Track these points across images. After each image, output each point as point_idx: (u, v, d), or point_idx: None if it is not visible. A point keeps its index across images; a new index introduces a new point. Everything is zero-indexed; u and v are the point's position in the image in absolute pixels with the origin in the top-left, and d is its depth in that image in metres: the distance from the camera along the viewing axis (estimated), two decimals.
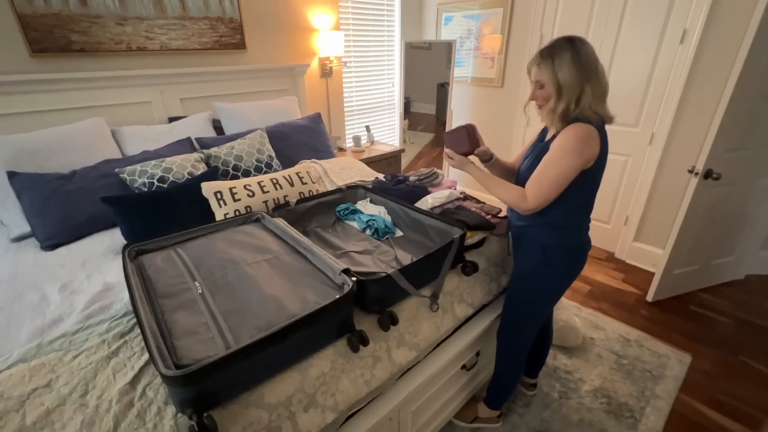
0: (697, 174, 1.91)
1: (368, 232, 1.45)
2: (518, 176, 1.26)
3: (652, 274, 2.32)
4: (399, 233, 1.47)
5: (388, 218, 1.51)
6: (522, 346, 1.37)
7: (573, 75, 1.02)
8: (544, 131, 1.23)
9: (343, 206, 1.62)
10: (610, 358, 1.89)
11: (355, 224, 1.52)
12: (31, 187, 1.56)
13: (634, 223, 2.64)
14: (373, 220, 1.47)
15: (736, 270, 2.47)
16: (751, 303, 2.28)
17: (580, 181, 1.07)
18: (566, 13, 2.64)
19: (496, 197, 1.18)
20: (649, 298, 2.30)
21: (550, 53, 1.05)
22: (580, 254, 1.22)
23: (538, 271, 1.23)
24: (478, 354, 1.46)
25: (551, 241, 1.18)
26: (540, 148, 1.17)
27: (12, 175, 1.57)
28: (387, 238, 1.43)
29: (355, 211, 1.58)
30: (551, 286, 1.26)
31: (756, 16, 1.60)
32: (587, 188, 1.13)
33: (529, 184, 1.10)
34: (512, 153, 3.29)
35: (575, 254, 1.21)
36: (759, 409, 1.62)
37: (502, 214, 1.59)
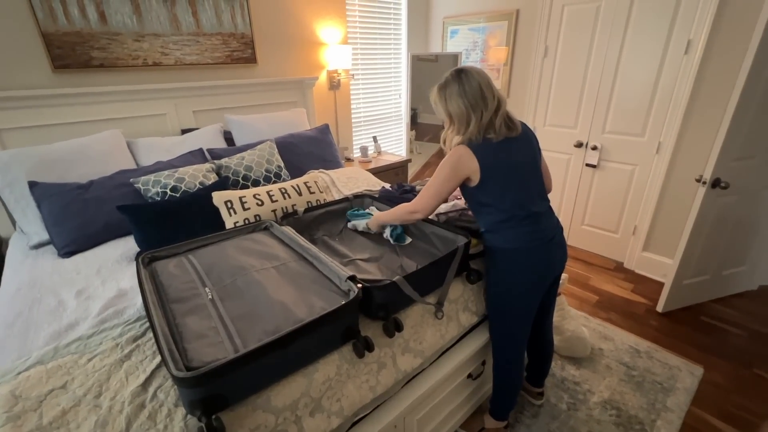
0: (704, 183, 1.90)
1: (387, 230, 1.48)
2: None
3: (662, 285, 2.29)
4: (408, 240, 1.49)
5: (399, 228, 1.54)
6: (513, 353, 1.37)
7: (460, 107, 1.16)
8: None
9: (354, 210, 1.65)
10: (619, 370, 1.86)
11: (364, 222, 1.54)
12: (50, 197, 1.62)
13: (642, 232, 2.62)
14: None
15: (749, 280, 2.42)
16: (765, 314, 2.23)
17: (482, 192, 1.20)
18: (570, 26, 2.67)
19: (390, 223, 1.43)
20: (659, 308, 2.26)
21: (443, 87, 1.20)
22: (527, 252, 1.23)
23: (495, 275, 1.30)
24: (483, 363, 1.46)
25: (493, 245, 1.27)
26: None
27: (33, 185, 1.64)
28: (394, 246, 1.45)
29: (366, 215, 1.60)
30: (511, 287, 1.28)
31: (759, 26, 1.61)
32: (494, 196, 1.21)
33: (418, 195, 1.29)
34: None
35: (519, 253, 1.23)
36: None
37: None
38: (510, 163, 1.19)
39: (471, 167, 1.16)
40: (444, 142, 1.29)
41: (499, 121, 1.17)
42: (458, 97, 1.16)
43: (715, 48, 2.09)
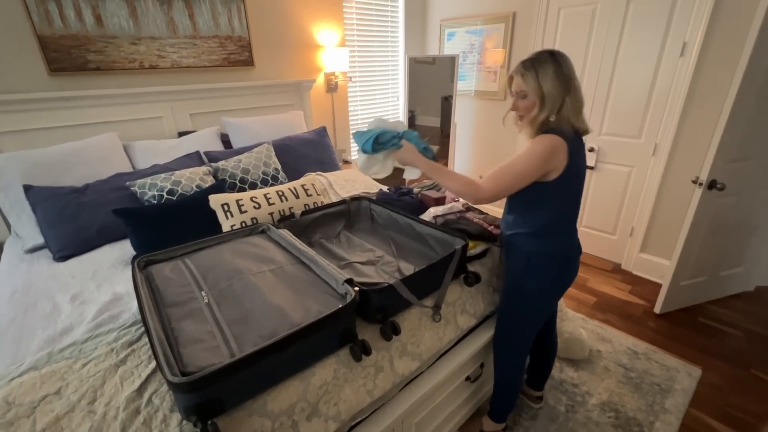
0: (701, 184, 1.91)
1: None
2: None
3: (660, 286, 2.29)
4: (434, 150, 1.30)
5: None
6: (518, 356, 1.36)
7: (556, 86, 1.06)
8: None
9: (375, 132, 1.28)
10: (617, 371, 1.86)
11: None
12: (45, 200, 1.61)
13: (639, 234, 2.62)
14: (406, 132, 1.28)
15: (746, 281, 2.43)
16: (763, 315, 2.23)
17: (554, 191, 1.11)
18: (567, 28, 2.68)
19: (447, 188, 1.18)
20: (657, 310, 2.27)
21: (534, 65, 1.09)
22: (565, 262, 1.22)
23: (524, 279, 1.24)
24: (482, 366, 1.45)
25: (534, 249, 1.19)
26: None
27: (28, 189, 1.63)
28: (392, 248, 1.44)
29: (393, 141, 1.28)
30: (539, 294, 1.25)
31: (754, 28, 1.62)
32: (563, 197, 1.15)
33: (489, 174, 1.13)
34: None
35: (558, 262, 1.21)
36: None
37: None
38: (581, 165, 1.15)
39: (561, 162, 1.08)
40: (521, 122, 1.17)
41: (581, 113, 1.11)
42: (554, 76, 1.06)
43: (711, 50, 2.10)
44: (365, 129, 1.32)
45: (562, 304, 1.95)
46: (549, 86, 1.07)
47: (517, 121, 1.19)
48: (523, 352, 1.36)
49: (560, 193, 1.13)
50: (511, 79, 1.15)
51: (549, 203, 1.15)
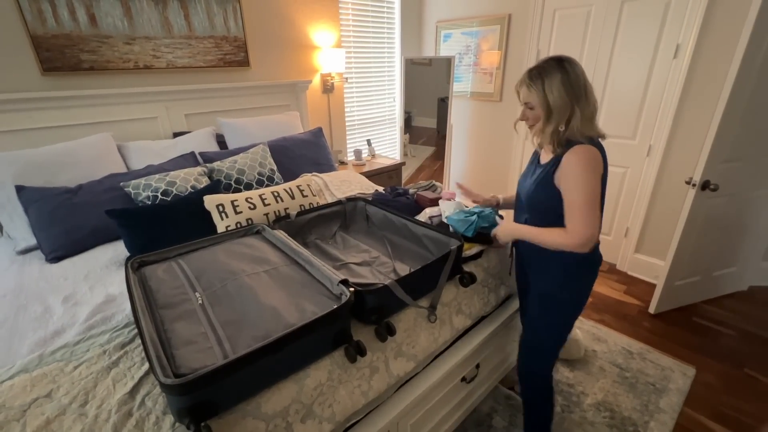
0: (694, 185, 1.92)
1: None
2: (518, 200, 1.28)
3: (654, 286, 2.31)
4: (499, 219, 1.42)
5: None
6: (549, 370, 1.33)
7: (563, 97, 1.03)
8: (537, 152, 1.24)
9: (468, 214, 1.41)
10: (612, 371, 1.87)
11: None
12: (38, 201, 1.59)
13: (634, 234, 2.64)
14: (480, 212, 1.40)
15: (739, 281, 2.45)
16: (756, 315, 2.25)
17: None
18: (562, 30, 2.70)
19: (547, 246, 1.13)
20: (652, 310, 2.28)
21: (540, 74, 1.05)
22: (596, 266, 1.21)
23: (562, 290, 1.20)
24: (478, 366, 1.45)
25: (572, 261, 1.14)
26: (540, 171, 1.15)
27: (20, 189, 1.61)
28: (387, 249, 1.44)
29: (489, 220, 1.41)
30: (576, 302, 1.24)
31: (746, 30, 1.64)
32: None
33: (568, 221, 1.06)
34: (511, 165, 3.32)
35: (592, 267, 1.20)
36: (766, 424, 1.59)
37: None
38: (608, 170, 1.10)
39: (602, 169, 1.05)
40: (538, 137, 1.13)
41: (595, 119, 1.07)
42: (562, 86, 1.02)
43: (704, 52, 2.12)
44: (455, 216, 1.42)
45: None
46: (556, 97, 1.03)
47: (529, 131, 1.18)
48: (553, 365, 1.34)
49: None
50: (517, 89, 1.13)
51: None
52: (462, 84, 3.47)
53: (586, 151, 1.03)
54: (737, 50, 1.67)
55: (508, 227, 1.30)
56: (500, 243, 1.36)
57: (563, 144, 1.07)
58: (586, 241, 1.04)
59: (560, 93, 1.02)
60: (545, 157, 1.15)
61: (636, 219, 2.61)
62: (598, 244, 1.17)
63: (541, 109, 1.07)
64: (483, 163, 3.58)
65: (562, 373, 1.86)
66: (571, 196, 1.05)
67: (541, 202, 1.15)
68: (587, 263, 1.18)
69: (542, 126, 1.08)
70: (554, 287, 1.21)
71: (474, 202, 1.52)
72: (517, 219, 1.32)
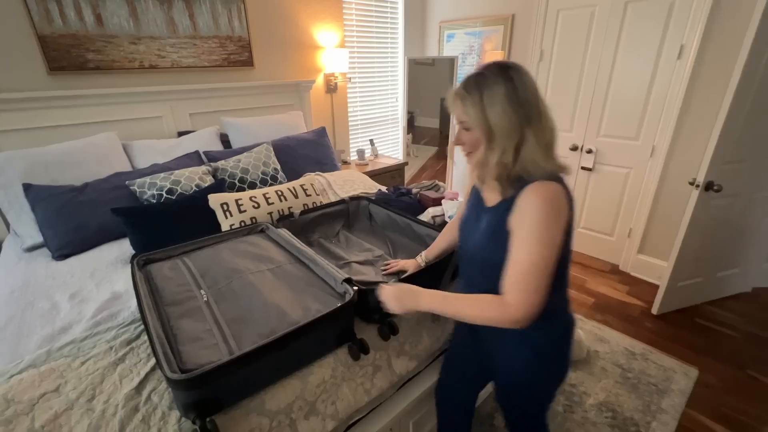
0: (698, 186, 1.92)
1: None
2: (462, 256, 0.98)
3: (657, 287, 2.30)
4: None
5: None
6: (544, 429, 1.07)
7: (509, 116, 0.76)
8: (477, 191, 0.94)
9: None
10: (614, 372, 1.87)
11: None
12: (44, 199, 1.61)
13: (637, 235, 2.64)
14: None
15: (743, 283, 2.44)
16: (759, 316, 2.24)
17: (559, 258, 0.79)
18: (565, 30, 2.70)
19: (472, 322, 0.82)
20: (654, 310, 2.28)
21: (478, 85, 0.79)
22: (572, 334, 0.94)
23: (535, 375, 0.92)
24: None
25: (542, 340, 0.88)
26: (490, 219, 0.85)
27: (27, 187, 1.63)
28: (390, 248, 1.45)
29: None
30: (557, 383, 0.97)
31: (751, 31, 1.63)
32: (564, 260, 0.83)
33: (508, 285, 0.77)
34: None
35: (567, 338, 0.92)
36: None
37: None
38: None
39: (567, 214, 0.77)
40: (478, 169, 0.84)
41: (553, 148, 0.81)
42: (506, 101, 0.76)
43: (708, 53, 2.11)
44: None
45: None
46: (498, 116, 0.77)
47: (467, 160, 0.87)
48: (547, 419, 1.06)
49: (562, 256, 0.80)
50: (449, 105, 0.84)
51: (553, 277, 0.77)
52: None
53: (549, 191, 0.75)
54: (741, 51, 1.67)
55: (403, 293, 0.92)
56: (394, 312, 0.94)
57: (513, 181, 0.80)
58: (528, 318, 0.75)
59: (504, 111, 0.76)
60: (491, 198, 0.87)
61: (639, 220, 2.61)
62: (569, 307, 0.93)
63: (480, 131, 0.79)
64: None
65: None
66: (521, 253, 0.76)
67: (498, 261, 0.80)
68: (558, 344, 0.90)
69: (483, 155, 0.81)
70: (521, 372, 0.92)
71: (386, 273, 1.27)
72: (464, 280, 1.00)
